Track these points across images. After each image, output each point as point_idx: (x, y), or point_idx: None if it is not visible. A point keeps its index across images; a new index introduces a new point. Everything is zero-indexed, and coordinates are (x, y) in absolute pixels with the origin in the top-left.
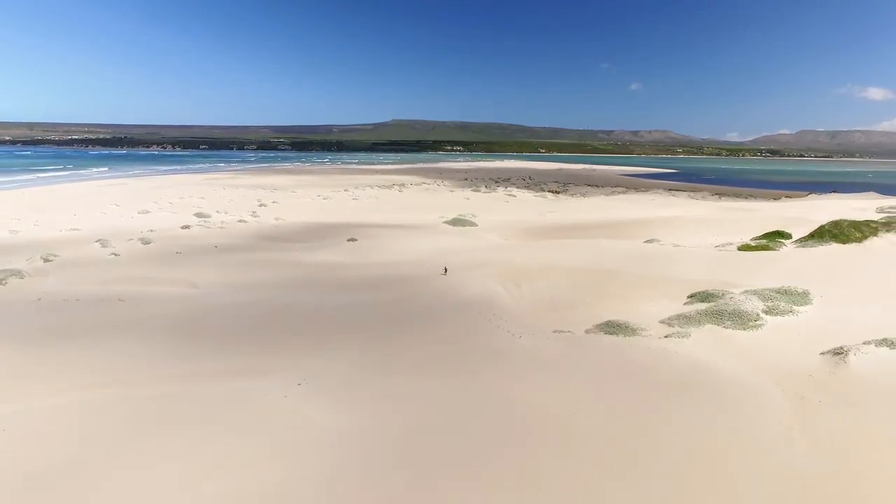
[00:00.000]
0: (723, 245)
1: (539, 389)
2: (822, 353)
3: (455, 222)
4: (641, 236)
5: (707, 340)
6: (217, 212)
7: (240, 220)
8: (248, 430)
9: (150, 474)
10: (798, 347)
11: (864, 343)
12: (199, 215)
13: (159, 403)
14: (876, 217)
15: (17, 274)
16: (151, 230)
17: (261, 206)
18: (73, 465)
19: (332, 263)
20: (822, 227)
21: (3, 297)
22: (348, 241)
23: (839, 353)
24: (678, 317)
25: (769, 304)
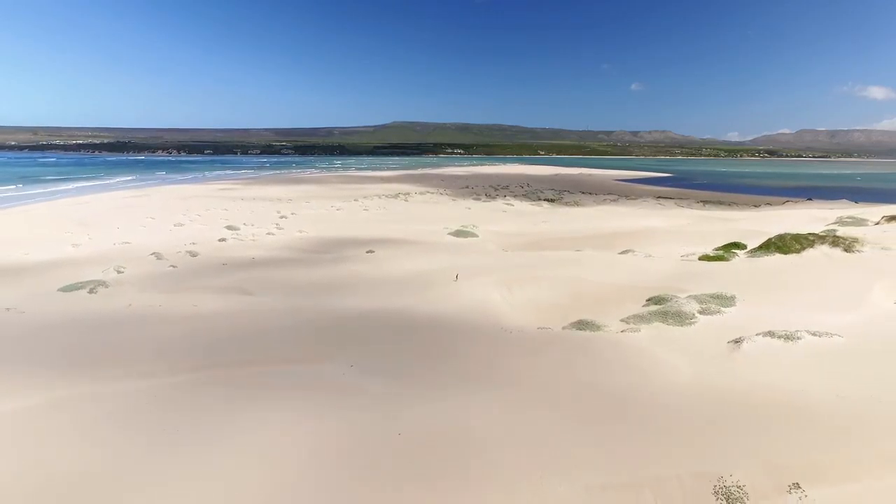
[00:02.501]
0: (688, 255)
1: (523, 365)
2: (728, 342)
3: (458, 234)
4: (620, 247)
5: (652, 334)
6: (244, 224)
7: (268, 234)
8: (323, 394)
9: (251, 425)
10: (714, 338)
11: (756, 334)
12: (229, 228)
13: (252, 379)
14: (820, 229)
15: (103, 284)
16: (194, 243)
17: (282, 217)
18: (199, 414)
19: (357, 272)
20: (769, 240)
21: (100, 303)
22: (367, 252)
23: (738, 341)
24: (634, 316)
25: (703, 305)
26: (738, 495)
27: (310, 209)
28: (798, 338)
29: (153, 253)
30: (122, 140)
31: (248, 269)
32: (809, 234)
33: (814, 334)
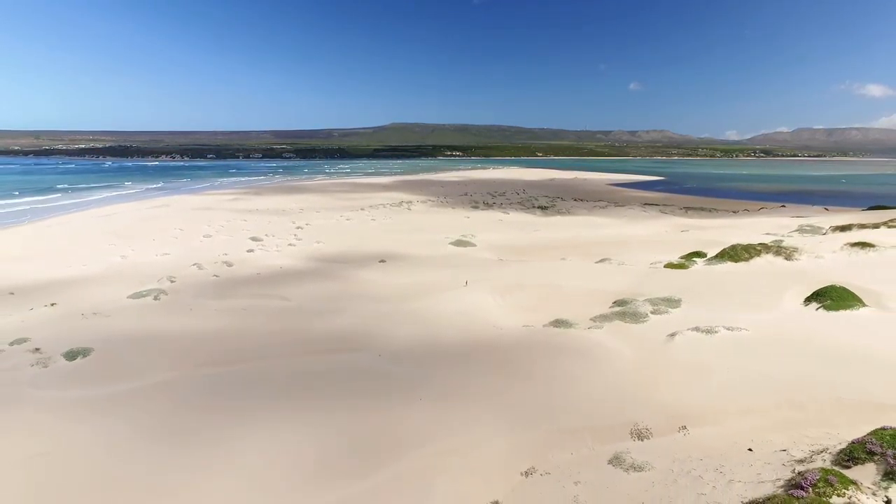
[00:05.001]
0: (655, 263)
1: (510, 353)
2: (667, 335)
3: (458, 243)
4: (599, 255)
5: (612, 330)
6: (266, 235)
7: (289, 245)
8: (358, 377)
9: (309, 396)
10: (658, 332)
11: (687, 329)
12: (253, 239)
13: (306, 366)
14: (773, 239)
15: (163, 292)
16: (226, 254)
17: (298, 228)
18: (271, 387)
19: (374, 280)
20: (724, 250)
21: (166, 308)
22: (379, 262)
23: (673, 335)
24: (600, 316)
25: (655, 307)
26: (645, 434)
27: (322, 219)
28: (716, 332)
29: (194, 264)
30: (123, 144)
31: (280, 278)
32: (759, 244)
33: (728, 329)
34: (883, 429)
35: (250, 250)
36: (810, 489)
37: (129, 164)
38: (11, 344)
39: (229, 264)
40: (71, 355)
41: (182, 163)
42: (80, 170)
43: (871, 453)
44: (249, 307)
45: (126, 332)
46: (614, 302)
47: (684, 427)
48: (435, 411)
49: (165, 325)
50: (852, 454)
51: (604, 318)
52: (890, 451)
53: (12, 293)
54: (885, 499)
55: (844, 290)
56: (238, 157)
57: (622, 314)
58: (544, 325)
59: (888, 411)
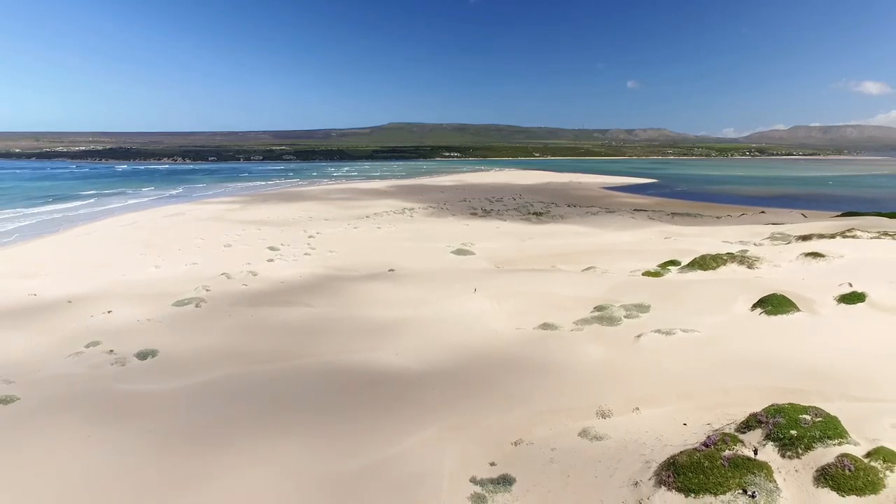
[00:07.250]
0: (635, 271)
1: (503, 350)
2: (635, 336)
3: (458, 252)
4: (586, 263)
5: (590, 332)
6: (282, 245)
7: (305, 254)
8: (381, 372)
9: (336, 392)
10: (628, 334)
11: (651, 331)
12: (271, 249)
13: (334, 363)
14: (739, 248)
15: (203, 301)
16: (248, 263)
17: (310, 237)
18: (312, 379)
19: (386, 288)
20: (695, 259)
21: (208, 315)
22: (389, 271)
23: (639, 336)
24: (581, 320)
25: (628, 312)
26: (607, 414)
27: (331, 228)
28: (673, 333)
29: (223, 273)
30: (123, 146)
31: (302, 286)
32: (726, 253)
33: (684, 330)
34: (772, 405)
35: (270, 259)
36: (712, 446)
37: (141, 167)
38: (87, 346)
39: (254, 273)
40: (142, 356)
41: (191, 165)
42: (95, 174)
43: (760, 422)
44: (280, 313)
45: (180, 336)
46: (595, 307)
47: (637, 408)
48: (445, 397)
49: (212, 330)
50: (748, 423)
51: (584, 321)
52: (772, 420)
53: (70, 301)
54: (755, 448)
55: (784, 297)
56: (240, 160)
57: (600, 318)
58: (534, 328)
59: (788, 393)
